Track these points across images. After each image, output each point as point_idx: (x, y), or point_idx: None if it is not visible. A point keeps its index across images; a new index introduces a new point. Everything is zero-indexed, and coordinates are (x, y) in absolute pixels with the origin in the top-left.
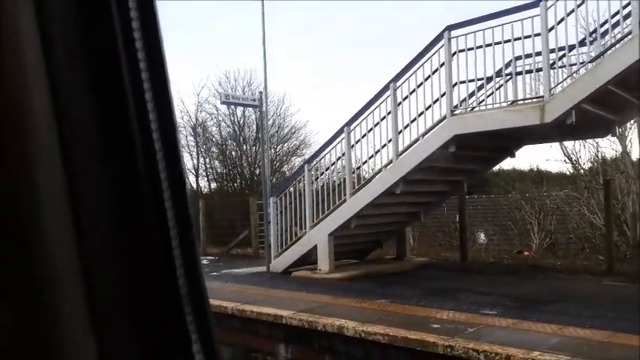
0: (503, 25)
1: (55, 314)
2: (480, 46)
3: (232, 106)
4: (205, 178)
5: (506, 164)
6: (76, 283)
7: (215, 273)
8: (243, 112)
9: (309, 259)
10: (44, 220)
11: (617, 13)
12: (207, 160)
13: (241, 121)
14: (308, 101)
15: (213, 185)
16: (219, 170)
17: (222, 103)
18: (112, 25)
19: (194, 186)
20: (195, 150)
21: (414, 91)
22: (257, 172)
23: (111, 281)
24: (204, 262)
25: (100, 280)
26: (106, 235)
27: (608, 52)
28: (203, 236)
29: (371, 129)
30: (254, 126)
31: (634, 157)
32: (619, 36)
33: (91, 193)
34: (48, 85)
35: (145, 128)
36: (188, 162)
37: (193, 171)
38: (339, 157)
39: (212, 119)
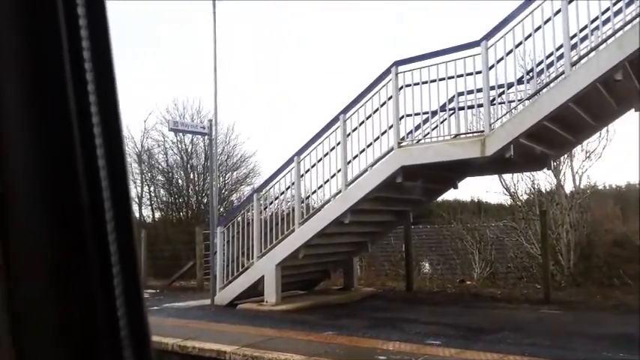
0: (447, 62)
1: None
2: (425, 82)
3: (180, 134)
4: (149, 207)
5: (449, 195)
6: (6, 339)
7: (156, 307)
8: (192, 139)
9: (256, 290)
10: None
11: (551, 54)
12: (152, 188)
13: (189, 149)
14: (258, 130)
15: (158, 214)
16: (164, 199)
17: (170, 130)
18: (59, 35)
19: (137, 215)
20: (139, 178)
21: (362, 122)
22: (204, 200)
23: (46, 327)
24: (144, 295)
25: (34, 328)
26: (40, 273)
27: (544, 90)
28: (144, 268)
29: (320, 159)
30: (202, 154)
31: (567, 189)
32: (553, 75)
33: (25, 216)
34: None
35: (90, 152)
36: (131, 190)
37: (137, 199)
38: (289, 187)
39: (159, 146)
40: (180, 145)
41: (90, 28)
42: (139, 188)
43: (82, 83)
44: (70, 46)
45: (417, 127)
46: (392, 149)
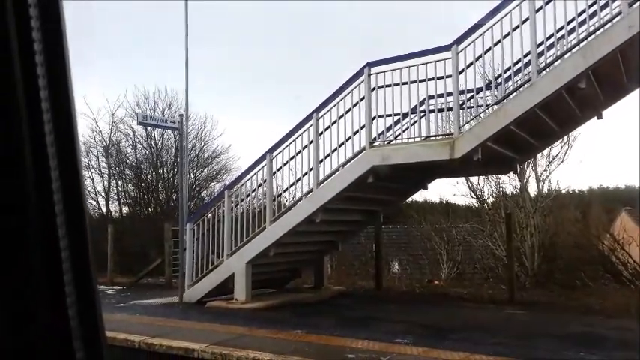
0: (418, 65)
1: None
2: (397, 84)
3: (150, 128)
4: (117, 202)
5: (419, 196)
6: None
7: (122, 304)
8: (162, 134)
9: (225, 288)
10: None
11: (519, 61)
12: (120, 182)
13: (159, 144)
14: (232, 126)
15: (125, 210)
16: (132, 194)
17: (140, 124)
18: (8, 30)
19: (104, 210)
20: (106, 172)
21: (335, 122)
22: (174, 197)
23: None
24: (111, 292)
25: None
26: None
27: (511, 95)
28: (111, 264)
29: (293, 157)
30: (173, 149)
31: (531, 193)
32: (520, 81)
33: None
34: None
35: (41, 151)
36: (98, 184)
37: (103, 194)
38: (260, 184)
39: (127, 140)
40: (149, 140)
41: (42, 25)
42: (106, 183)
43: (33, 78)
44: (20, 43)
45: (389, 129)
46: (364, 149)
